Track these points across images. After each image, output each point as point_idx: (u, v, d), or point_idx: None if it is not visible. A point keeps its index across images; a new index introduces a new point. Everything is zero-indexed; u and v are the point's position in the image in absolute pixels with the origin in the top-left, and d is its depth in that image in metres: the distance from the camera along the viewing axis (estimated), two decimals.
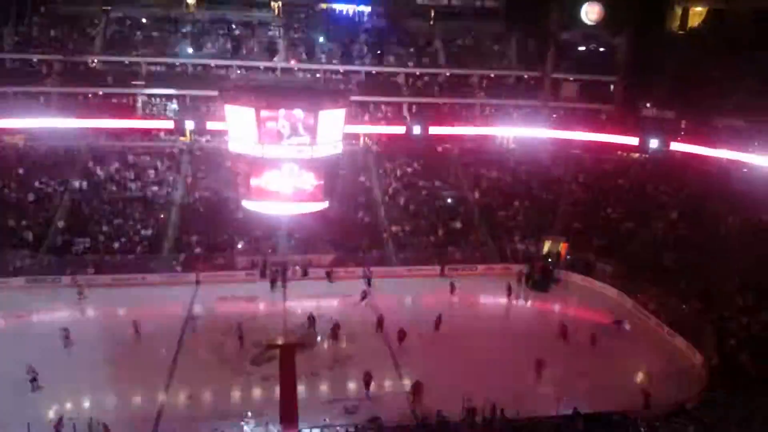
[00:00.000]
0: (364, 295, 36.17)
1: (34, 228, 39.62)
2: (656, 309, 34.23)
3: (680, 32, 54.10)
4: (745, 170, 41.45)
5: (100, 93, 49.78)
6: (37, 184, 43.10)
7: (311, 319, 32.21)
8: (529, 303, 37.42)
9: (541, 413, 23.79)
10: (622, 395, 25.41)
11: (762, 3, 48.03)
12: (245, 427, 23.00)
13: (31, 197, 41.98)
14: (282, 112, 28.65)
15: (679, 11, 54.11)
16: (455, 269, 40.71)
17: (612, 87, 55.19)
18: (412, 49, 54.20)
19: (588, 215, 45.49)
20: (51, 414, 23.79)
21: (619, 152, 51.57)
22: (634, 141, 49.60)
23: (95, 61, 49.83)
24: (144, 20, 52.10)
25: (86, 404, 24.90)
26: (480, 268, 41.26)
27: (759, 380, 25.55)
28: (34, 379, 25.48)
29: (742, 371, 26.51)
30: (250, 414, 24.27)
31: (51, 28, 49.72)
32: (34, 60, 48.99)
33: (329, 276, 39.45)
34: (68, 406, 24.59)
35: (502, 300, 36.92)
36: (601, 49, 55.51)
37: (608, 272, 39.36)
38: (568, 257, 41.29)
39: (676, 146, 47.20)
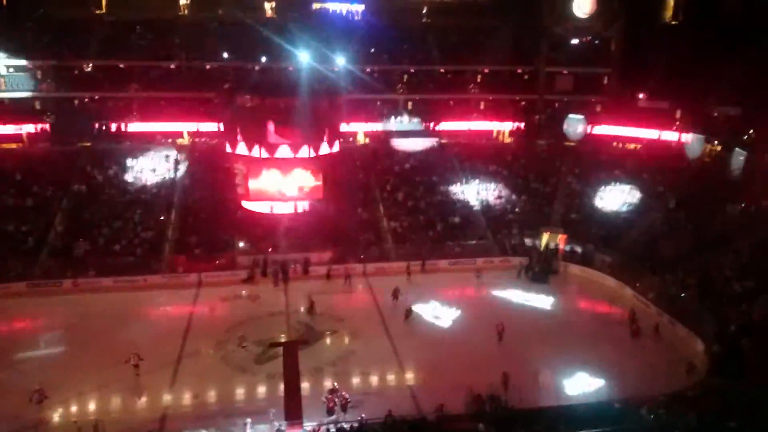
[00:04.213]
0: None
1: (34, 233, 39.67)
2: (656, 298, 34.42)
3: (673, 22, 54.29)
4: (741, 158, 41.60)
5: (96, 97, 50.07)
6: (35, 189, 43.13)
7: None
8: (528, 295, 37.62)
9: (542, 403, 24.02)
10: (624, 383, 25.59)
11: None
12: (250, 425, 23.09)
13: (29, 202, 42.01)
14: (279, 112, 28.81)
15: (671, 1, 54.31)
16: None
17: (606, 79, 55.39)
18: (406, 46, 54.33)
19: (585, 206, 45.76)
20: (56, 417, 24.03)
21: (615, 143, 51.77)
22: (629, 132, 49.90)
23: (90, 65, 49.93)
24: (138, 24, 52.18)
25: (91, 407, 25.00)
26: (479, 262, 41.39)
27: (760, 366, 25.72)
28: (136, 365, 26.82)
29: (743, 358, 26.64)
30: (254, 411, 24.44)
31: (45, 32, 49.73)
32: (29, 66, 49.05)
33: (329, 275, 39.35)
34: (73, 409, 24.72)
35: (503, 293, 37.18)
36: (595, 42, 55.69)
37: (607, 262, 39.62)
38: (567, 249, 41.52)
39: (671, 135, 47.44)
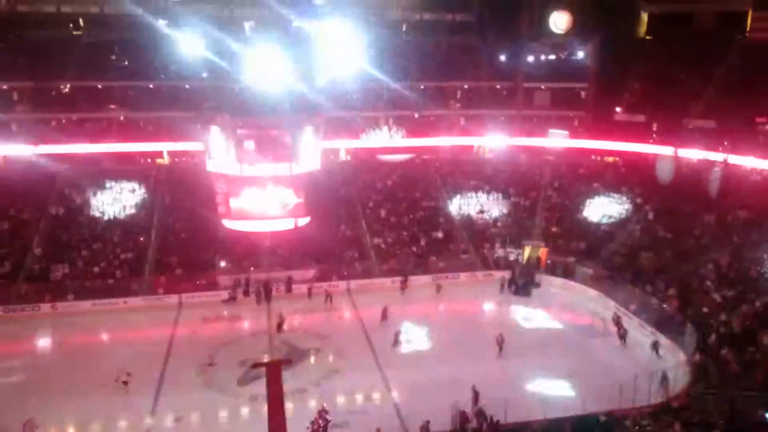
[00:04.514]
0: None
1: (11, 256, 39.01)
2: (637, 309, 34.63)
3: (648, 37, 55.33)
4: (717, 169, 42.25)
5: (74, 118, 49.67)
6: (12, 211, 42.50)
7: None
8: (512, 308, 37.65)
9: (528, 417, 23.95)
10: (608, 395, 25.62)
11: (726, 6, 49.77)
12: None
13: (6, 225, 41.35)
14: (259, 130, 28.79)
15: (645, 17, 55.37)
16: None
17: (583, 93, 56.14)
18: (386, 63, 54.59)
19: (566, 219, 46.12)
20: None
21: (593, 156, 52.38)
22: (607, 145, 50.54)
23: (68, 86, 49.57)
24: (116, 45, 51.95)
25: None
26: (462, 276, 41.47)
27: (741, 375, 26.00)
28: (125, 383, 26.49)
29: (724, 367, 26.88)
30: None
31: (21, 54, 49.32)
32: (4, 87, 48.59)
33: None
34: None
35: (487, 307, 37.24)
36: (572, 57, 56.47)
37: (588, 274, 39.82)
38: (549, 262, 41.73)
39: (648, 148, 48.08)
